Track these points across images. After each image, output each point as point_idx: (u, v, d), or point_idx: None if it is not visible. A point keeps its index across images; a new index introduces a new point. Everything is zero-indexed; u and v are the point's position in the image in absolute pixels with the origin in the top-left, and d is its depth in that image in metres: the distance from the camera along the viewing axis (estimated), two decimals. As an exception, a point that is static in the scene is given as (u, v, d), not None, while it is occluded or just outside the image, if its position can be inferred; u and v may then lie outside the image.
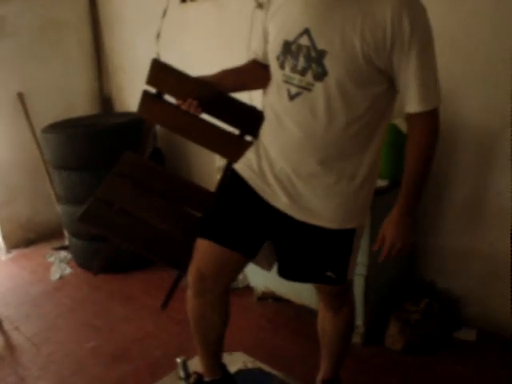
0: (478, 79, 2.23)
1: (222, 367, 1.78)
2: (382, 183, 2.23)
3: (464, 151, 2.36)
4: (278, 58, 1.41)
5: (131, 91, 3.83)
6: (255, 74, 1.62)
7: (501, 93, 2.17)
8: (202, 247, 1.55)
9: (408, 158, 1.43)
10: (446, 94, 2.04)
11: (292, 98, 1.39)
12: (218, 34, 3.08)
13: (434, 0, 1.74)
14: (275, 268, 1.68)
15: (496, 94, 2.19)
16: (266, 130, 1.53)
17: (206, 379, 1.74)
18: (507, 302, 2.38)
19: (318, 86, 1.34)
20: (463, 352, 2.33)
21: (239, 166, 1.58)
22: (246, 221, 1.55)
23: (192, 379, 1.81)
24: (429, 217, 2.53)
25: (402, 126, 2.10)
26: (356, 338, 2.34)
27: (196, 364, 1.92)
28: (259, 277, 2.65)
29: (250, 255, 1.59)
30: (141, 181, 1.76)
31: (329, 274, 1.55)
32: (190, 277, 1.58)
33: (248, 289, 2.83)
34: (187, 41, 3.26)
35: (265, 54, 1.56)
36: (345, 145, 1.42)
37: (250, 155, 1.57)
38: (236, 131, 1.70)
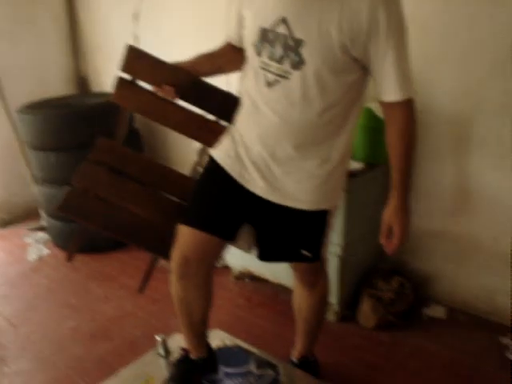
0: (451, 65, 2.28)
1: (207, 345, 1.83)
2: (357, 166, 2.29)
3: (437, 135, 2.42)
4: (254, 45, 1.43)
5: (108, 71, 3.79)
6: (230, 57, 1.65)
7: (473, 78, 2.24)
8: (185, 233, 1.58)
9: (394, 147, 1.46)
10: (420, 79, 2.11)
11: (269, 85, 1.42)
12: (197, 16, 3.07)
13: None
14: (258, 251, 1.71)
15: (469, 80, 2.25)
16: (243, 116, 1.56)
17: (192, 357, 1.79)
18: (474, 281, 2.48)
19: (295, 75, 1.37)
20: (433, 328, 2.43)
21: (215, 152, 1.61)
22: (224, 206, 1.58)
23: (178, 355, 1.84)
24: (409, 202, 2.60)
25: (378, 110, 2.14)
26: (331, 316, 2.42)
27: (176, 341, 1.97)
28: (236, 257, 2.70)
29: (229, 238, 1.63)
30: (116, 167, 1.76)
31: (304, 252, 1.61)
32: (174, 262, 1.61)
33: (226, 268, 2.88)
34: (166, 22, 3.23)
35: (240, 38, 1.58)
36: (320, 130, 1.46)
37: (225, 141, 1.60)
38: (211, 117, 1.72)
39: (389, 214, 1.52)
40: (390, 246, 1.54)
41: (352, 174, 2.18)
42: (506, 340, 2.30)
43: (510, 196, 2.29)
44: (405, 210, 1.52)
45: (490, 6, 2.10)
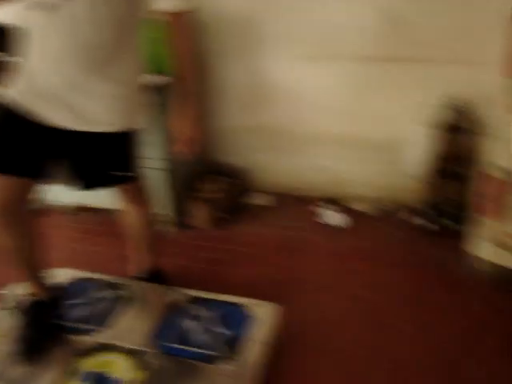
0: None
1: (49, 285, 1.81)
2: (162, 79, 2.29)
3: (232, 39, 2.55)
4: None
5: None
6: None
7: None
8: None
9: (172, 56, 1.54)
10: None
11: (51, 10, 1.34)
12: None
13: None
14: (77, 183, 1.70)
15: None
16: (28, 47, 1.45)
17: (37, 300, 1.77)
18: (287, 165, 2.77)
19: None
20: (263, 216, 2.70)
21: (6, 92, 1.49)
22: (28, 145, 1.51)
23: (22, 303, 1.81)
24: (215, 104, 2.71)
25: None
26: (168, 227, 2.52)
27: (18, 290, 1.91)
28: (64, 194, 2.65)
29: (40, 176, 1.58)
30: None
31: (119, 173, 1.65)
32: None
33: (56, 207, 2.82)
34: None
35: None
36: (110, 50, 1.44)
37: (14, 77, 1.48)
38: None
39: (176, 120, 1.61)
40: (184, 149, 1.64)
41: (160, 88, 2.20)
42: (315, 208, 2.69)
43: (302, 85, 2.54)
44: (190, 115, 1.62)
45: None
